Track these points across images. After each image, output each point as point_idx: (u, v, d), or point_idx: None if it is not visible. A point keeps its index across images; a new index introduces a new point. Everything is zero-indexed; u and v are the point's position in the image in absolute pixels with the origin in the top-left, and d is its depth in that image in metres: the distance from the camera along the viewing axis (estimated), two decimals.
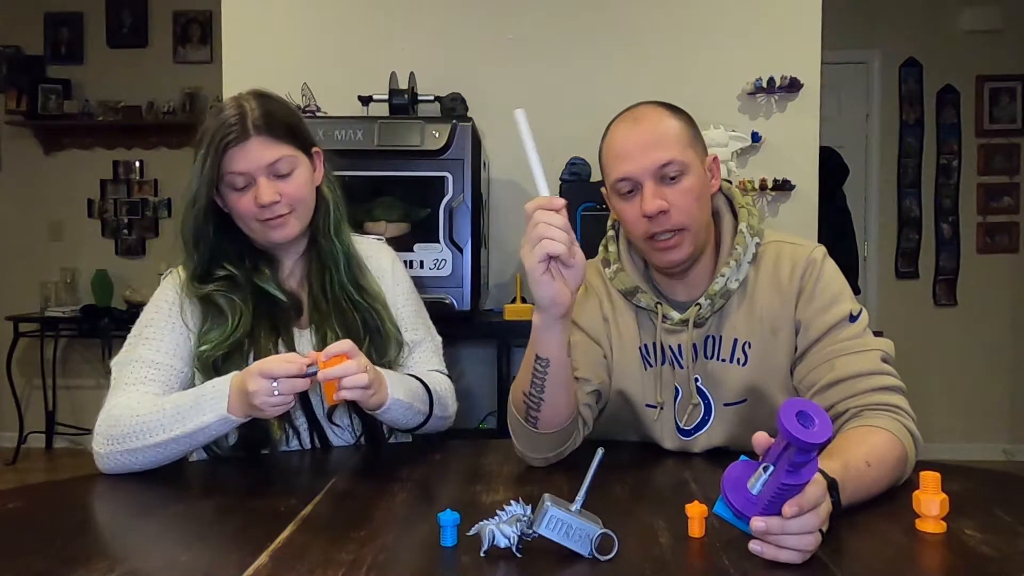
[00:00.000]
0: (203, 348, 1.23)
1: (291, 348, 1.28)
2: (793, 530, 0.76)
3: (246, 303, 1.27)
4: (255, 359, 1.21)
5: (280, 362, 1.09)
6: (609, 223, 1.32)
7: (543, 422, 1.10)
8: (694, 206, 1.15)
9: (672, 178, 1.14)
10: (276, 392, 1.07)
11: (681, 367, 1.22)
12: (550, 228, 0.96)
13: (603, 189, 1.25)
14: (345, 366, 1.09)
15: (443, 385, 1.37)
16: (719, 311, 1.21)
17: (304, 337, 1.31)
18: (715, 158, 1.23)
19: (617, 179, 1.17)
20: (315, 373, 1.09)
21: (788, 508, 0.76)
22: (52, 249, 4.67)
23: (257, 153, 1.22)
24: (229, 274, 1.28)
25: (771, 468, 0.77)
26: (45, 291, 4.48)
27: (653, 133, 1.15)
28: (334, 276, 1.33)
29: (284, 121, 1.26)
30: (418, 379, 1.31)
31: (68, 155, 4.69)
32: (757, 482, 0.79)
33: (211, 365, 1.22)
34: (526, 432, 1.13)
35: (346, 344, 1.12)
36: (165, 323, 1.26)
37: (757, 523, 0.77)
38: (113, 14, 4.64)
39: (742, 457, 0.82)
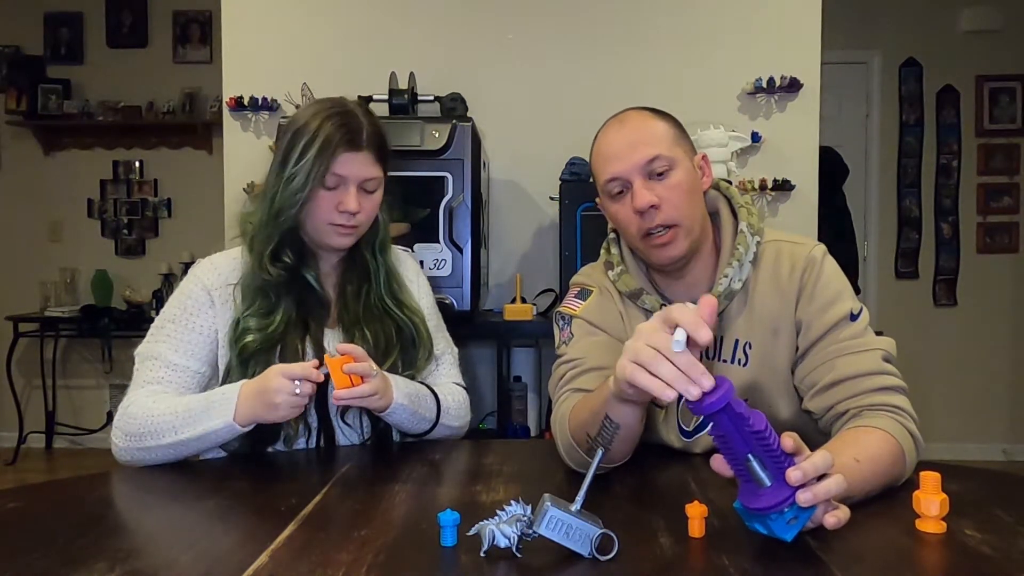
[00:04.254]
0: (248, 340, 1.27)
1: (318, 345, 1.32)
2: (820, 463, 0.79)
3: (292, 299, 1.32)
4: (282, 353, 1.28)
5: (296, 366, 1.17)
6: (610, 225, 1.32)
7: (610, 460, 1.07)
8: (684, 201, 1.15)
9: (660, 174, 1.15)
10: (297, 391, 1.14)
11: None
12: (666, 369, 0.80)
13: (597, 200, 1.25)
14: (358, 366, 1.18)
15: (457, 397, 1.41)
16: (721, 312, 1.21)
17: (330, 336, 1.35)
18: (704, 156, 1.23)
19: (607, 180, 1.17)
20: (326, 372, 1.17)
21: (786, 444, 0.80)
22: (52, 249, 4.67)
23: (361, 165, 1.29)
24: (291, 262, 1.32)
25: (750, 455, 0.79)
26: (45, 291, 4.48)
27: (638, 132, 1.17)
28: (372, 288, 1.39)
29: (386, 145, 1.35)
30: (428, 388, 1.35)
31: (68, 155, 4.69)
32: (759, 474, 0.79)
33: (245, 355, 1.27)
34: (587, 461, 1.10)
35: (358, 349, 1.19)
36: (186, 322, 1.30)
37: (794, 473, 0.77)
38: (113, 14, 4.64)
39: (735, 505, 0.84)
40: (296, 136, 1.28)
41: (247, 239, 1.34)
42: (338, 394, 1.16)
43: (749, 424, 0.78)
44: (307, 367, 1.16)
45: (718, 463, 0.83)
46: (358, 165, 1.28)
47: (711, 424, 0.80)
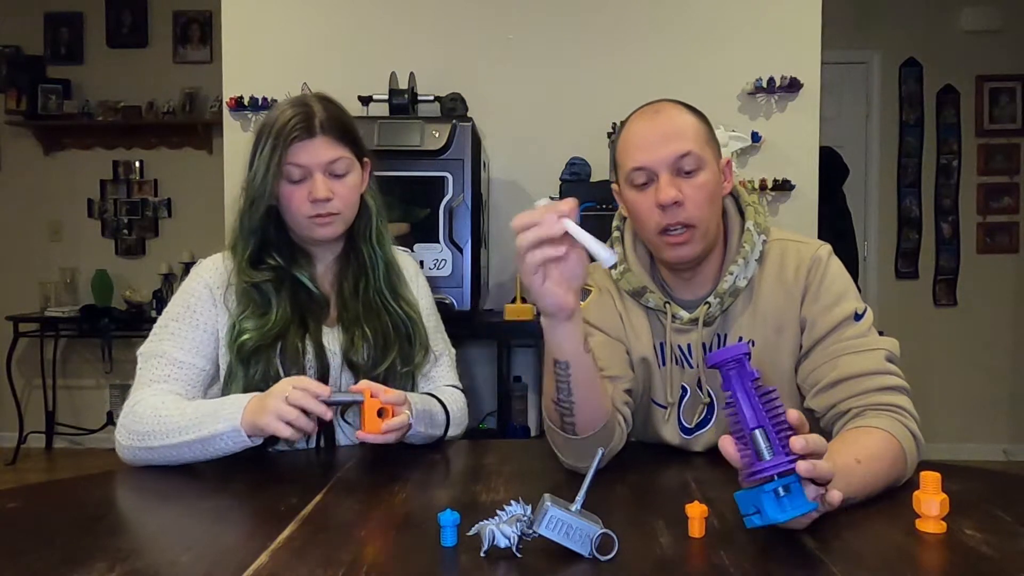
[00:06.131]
0: (244, 338, 1.26)
1: (318, 343, 1.31)
2: (817, 444, 0.80)
3: (287, 297, 1.31)
4: (282, 353, 1.27)
5: (310, 382, 1.15)
6: (614, 223, 1.31)
7: (580, 427, 1.07)
8: (706, 203, 1.15)
9: (688, 172, 1.14)
10: (286, 398, 1.11)
11: (691, 366, 1.22)
12: (525, 236, 0.92)
13: (614, 185, 1.25)
14: (400, 420, 1.16)
15: (459, 404, 1.41)
16: (725, 310, 1.21)
17: (330, 334, 1.34)
18: (728, 161, 1.23)
19: (633, 168, 1.16)
20: (342, 403, 1.18)
21: (792, 416, 0.82)
22: (52, 249, 4.67)
23: (319, 150, 1.28)
24: (277, 264, 1.33)
25: (756, 431, 0.80)
26: (45, 291, 4.48)
27: (672, 125, 1.15)
28: (370, 281, 1.38)
29: (346, 126, 1.33)
30: (440, 403, 1.34)
31: (68, 155, 4.69)
32: (761, 446, 0.80)
33: (244, 354, 1.26)
34: (567, 442, 1.09)
35: (400, 397, 1.17)
36: (190, 320, 1.29)
37: (798, 441, 0.78)
38: (113, 14, 4.64)
39: (736, 495, 0.83)
40: (258, 135, 1.31)
41: (230, 244, 1.34)
42: (361, 435, 1.14)
43: (758, 381, 0.80)
44: (319, 387, 1.13)
45: (726, 443, 0.82)
46: (314, 150, 1.28)
47: (723, 382, 0.82)
